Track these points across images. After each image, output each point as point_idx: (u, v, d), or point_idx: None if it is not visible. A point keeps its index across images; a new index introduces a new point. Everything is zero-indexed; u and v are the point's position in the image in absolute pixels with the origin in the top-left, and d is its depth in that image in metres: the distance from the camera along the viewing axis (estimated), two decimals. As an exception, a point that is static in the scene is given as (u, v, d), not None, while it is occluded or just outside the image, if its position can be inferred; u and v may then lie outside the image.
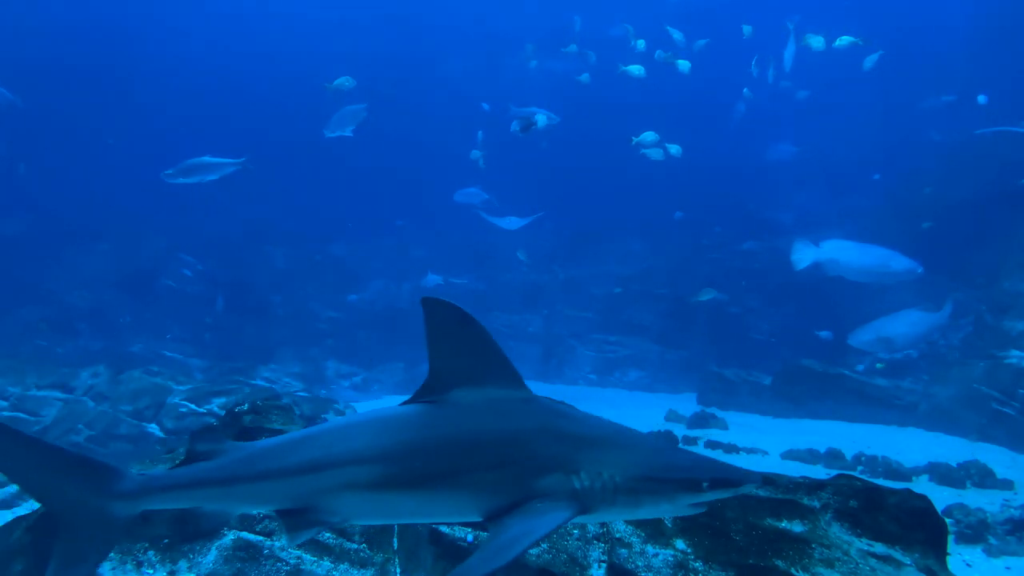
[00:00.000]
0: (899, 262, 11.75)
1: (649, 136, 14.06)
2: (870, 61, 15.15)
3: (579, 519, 2.76)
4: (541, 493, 2.70)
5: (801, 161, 20.60)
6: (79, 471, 3.03)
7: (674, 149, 14.61)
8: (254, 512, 2.96)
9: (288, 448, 3.05)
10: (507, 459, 2.79)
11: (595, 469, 2.72)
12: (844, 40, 13.56)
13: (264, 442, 3.21)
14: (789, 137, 20.88)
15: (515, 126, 12.14)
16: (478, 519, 2.79)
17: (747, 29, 16.36)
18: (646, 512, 2.92)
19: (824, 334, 12.93)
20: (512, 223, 16.50)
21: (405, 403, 3.03)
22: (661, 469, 2.80)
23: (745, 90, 18.36)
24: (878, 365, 13.61)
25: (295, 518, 2.90)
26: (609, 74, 18.41)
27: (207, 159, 11.65)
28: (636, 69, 14.71)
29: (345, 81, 12.94)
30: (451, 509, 2.93)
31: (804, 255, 12.23)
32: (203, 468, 3.05)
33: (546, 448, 2.80)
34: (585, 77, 18.04)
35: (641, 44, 16.84)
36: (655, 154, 14.49)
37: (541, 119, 15.47)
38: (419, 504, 2.89)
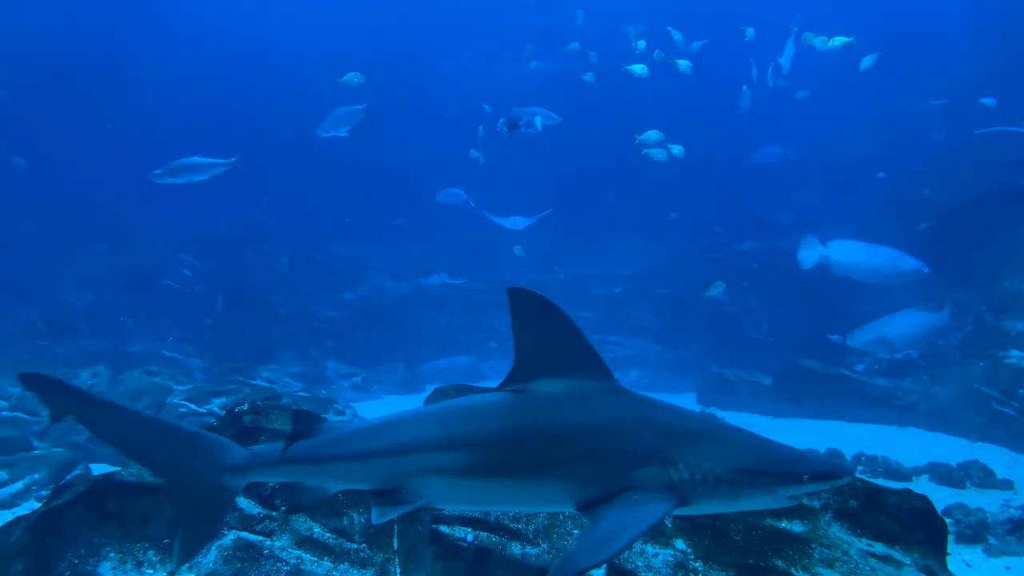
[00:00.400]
0: (907, 262, 11.75)
1: (653, 135, 14.05)
2: (868, 61, 15.14)
3: (678, 512, 2.76)
4: (638, 485, 2.70)
5: (798, 161, 20.60)
6: (193, 445, 3.24)
7: (676, 150, 14.61)
8: (351, 488, 3.11)
9: (380, 430, 3.13)
10: (602, 450, 2.79)
11: (694, 461, 2.72)
12: (838, 40, 13.56)
13: (358, 423, 3.33)
14: (789, 137, 20.87)
15: (501, 124, 12.10)
16: (569, 509, 2.80)
17: (750, 31, 16.36)
18: (745, 505, 2.92)
19: (835, 338, 12.91)
20: (517, 223, 16.46)
21: (491, 391, 3.08)
22: (762, 462, 2.80)
23: (744, 87, 18.33)
24: (876, 366, 13.61)
25: (384, 498, 2.96)
26: (609, 74, 18.46)
27: (196, 159, 11.60)
28: (639, 68, 14.71)
29: (354, 77, 12.94)
30: (542, 498, 2.94)
31: (812, 255, 12.21)
32: (300, 446, 3.17)
33: (641, 440, 2.80)
34: (590, 76, 18.03)
35: (642, 44, 16.85)
36: (658, 155, 14.48)
37: (538, 120, 15.50)
38: (508, 492, 2.91)
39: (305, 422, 3.21)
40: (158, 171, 11.45)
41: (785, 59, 16.22)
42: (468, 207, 18.62)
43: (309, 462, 3.16)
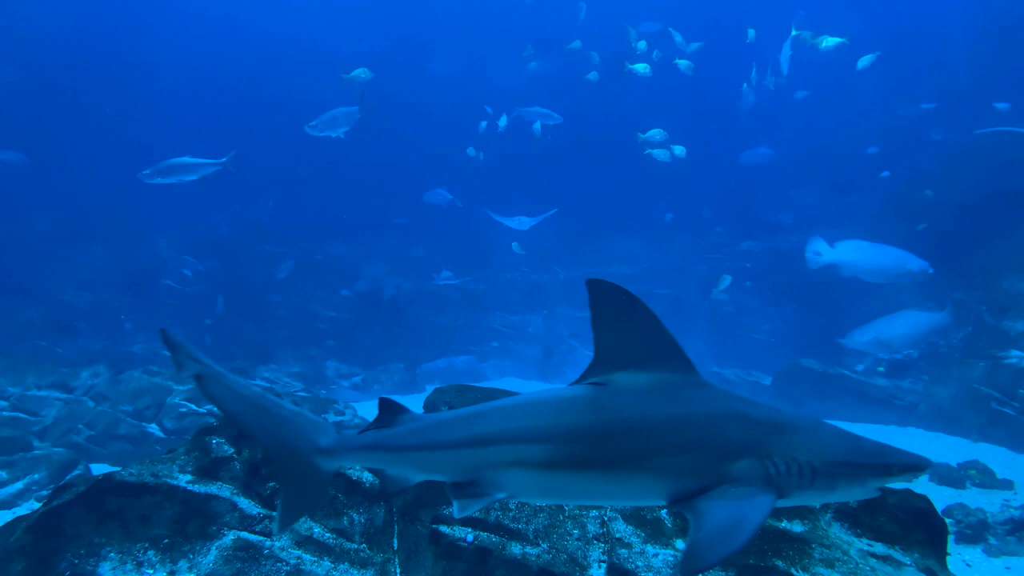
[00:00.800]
0: (913, 262, 11.78)
1: (656, 134, 14.05)
2: (865, 61, 15.14)
3: (776, 504, 2.75)
4: (733, 478, 2.68)
5: (787, 162, 20.60)
6: (292, 424, 3.31)
7: (679, 150, 14.61)
8: (431, 479, 3.16)
9: (462, 422, 3.12)
10: (694, 443, 2.77)
11: (788, 454, 2.71)
12: (832, 40, 13.56)
13: (441, 414, 3.32)
14: (788, 137, 20.86)
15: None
16: (660, 503, 2.79)
17: (751, 33, 16.36)
18: (836, 497, 2.91)
19: (845, 341, 12.92)
20: (522, 223, 16.45)
21: (572, 384, 3.03)
22: (854, 454, 2.80)
23: (745, 86, 18.32)
24: (879, 368, 13.60)
25: (464, 490, 2.95)
26: (609, 74, 18.47)
27: (186, 159, 11.58)
28: (642, 67, 14.71)
29: (362, 72, 12.94)
30: (634, 492, 2.92)
31: (820, 256, 12.22)
32: (384, 434, 3.21)
33: (733, 432, 2.77)
34: (593, 75, 18.04)
35: (642, 45, 16.87)
36: (662, 155, 14.48)
37: (537, 126, 15.52)
38: (598, 486, 2.89)
39: (390, 410, 3.25)
40: (147, 171, 11.42)
41: (783, 61, 16.23)
42: (454, 207, 18.68)
43: (391, 450, 3.18)
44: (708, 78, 16.85)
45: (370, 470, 3.34)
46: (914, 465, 2.85)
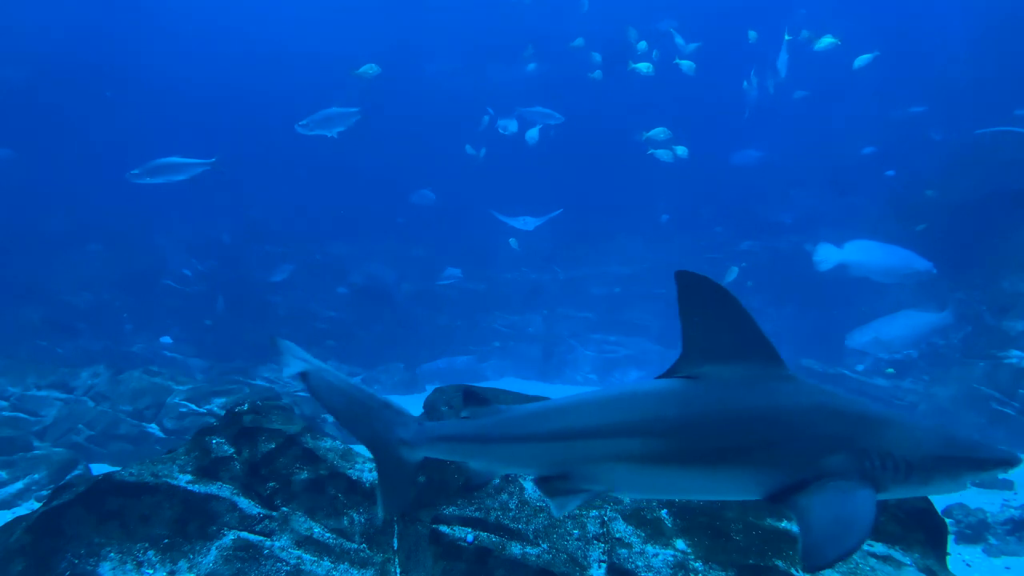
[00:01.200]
0: (920, 262, 11.79)
1: (660, 132, 14.05)
2: (862, 60, 15.14)
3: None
4: (828, 472, 2.66)
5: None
6: (378, 415, 3.33)
7: (681, 151, 14.61)
8: (516, 472, 3.15)
9: (552, 414, 3.08)
10: (789, 437, 2.75)
11: (883, 448, 2.69)
12: (825, 41, 13.57)
13: (528, 406, 3.26)
14: (787, 137, 20.87)
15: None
16: (755, 497, 2.78)
17: (752, 34, 16.36)
18: (930, 491, 2.90)
19: (847, 341, 12.92)
20: (527, 223, 16.43)
21: (660, 377, 3.00)
22: (949, 448, 2.78)
23: (745, 83, 18.32)
24: (888, 370, 13.59)
25: (554, 485, 2.92)
26: (610, 74, 18.48)
27: (175, 159, 11.55)
28: (644, 67, 14.72)
29: (369, 68, 12.93)
30: (729, 487, 2.90)
31: (829, 256, 12.22)
32: (467, 425, 3.19)
33: (827, 426, 2.75)
34: (597, 74, 18.05)
35: (643, 45, 16.88)
36: (664, 155, 14.49)
37: (535, 131, 15.49)
38: (693, 480, 2.87)
39: (475, 401, 3.24)
40: (136, 171, 11.39)
41: (780, 66, 16.25)
42: (456, 207, 18.68)
43: (477, 441, 3.15)
44: (708, 78, 16.85)
45: (454, 462, 3.35)
46: (1007, 459, 2.82)
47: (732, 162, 21.04)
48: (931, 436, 2.79)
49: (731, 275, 14.90)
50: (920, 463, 2.69)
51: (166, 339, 16.75)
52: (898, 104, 19.13)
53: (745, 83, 18.30)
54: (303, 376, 3.34)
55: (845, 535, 2.44)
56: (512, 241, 17.19)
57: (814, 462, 2.68)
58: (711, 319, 2.93)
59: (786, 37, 15.24)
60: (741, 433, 2.77)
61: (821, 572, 2.45)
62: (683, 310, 2.94)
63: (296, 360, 3.36)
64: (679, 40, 16.92)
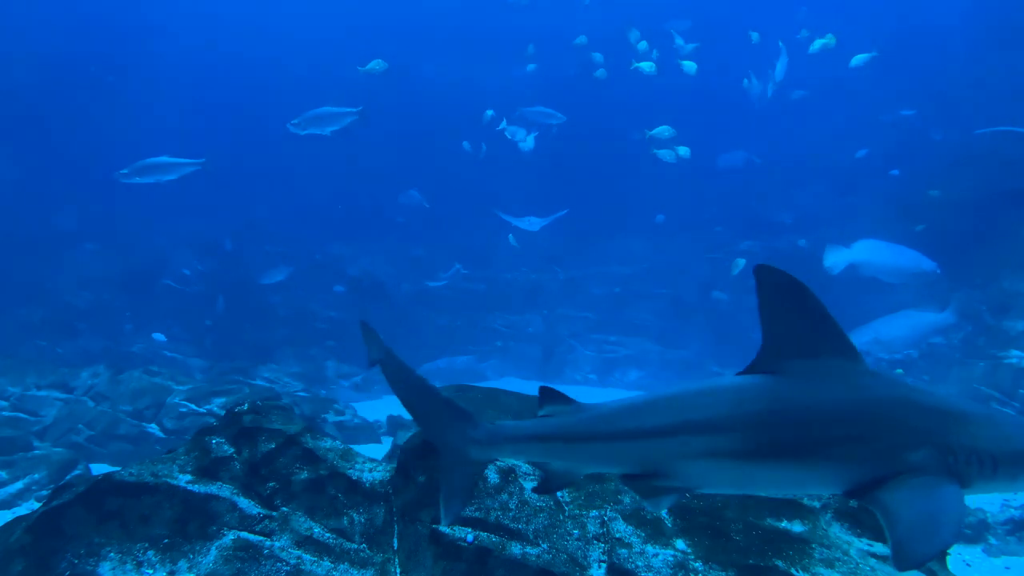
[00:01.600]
0: (926, 262, 11.81)
1: (664, 131, 14.05)
2: (859, 60, 15.13)
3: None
4: (912, 468, 2.63)
5: (797, 162, 20.59)
6: (447, 414, 3.29)
7: (683, 151, 14.61)
8: (602, 472, 3.10)
9: (637, 411, 3.05)
10: (872, 432, 2.74)
11: (968, 443, 2.65)
12: (818, 43, 13.58)
13: (611, 403, 3.20)
14: (787, 138, 20.86)
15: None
16: (836, 492, 2.78)
17: (755, 35, 16.36)
18: (1018, 486, 2.85)
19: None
20: (532, 223, 16.41)
21: (740, 373, 3.00)
22: None
23: (745, 81, 18.30)
24: (898, 371, 13.57)
25: (640, 483, 2.91)
26: (610, 74, 18.48)
27: (164, 159, 11.50)
28: (647, 66, 14.72)
29: (377, 64, 12.91)
30: (811, 481, 2.90)
31: (839, 258, 12.21)
32: (548, 423, 3.11)
33: (910, 421, 2.74)
34: (601, 73, 18.03)
35: (643, 45, 16.89)
36: (666, 156, 14.49)
37: (531, 139, 15.48)
38: (776, 475, 2.87)
39: (551, 400, 3.17)
40: (124, 171, 11.33)
41: (779, 69, 16.25)
42: (423, 208, 18.69)
43: (559, 441, 3.08)
44: (709, 77, 16.86)
45: (532, 463, 3.29)
46: None
47: (719, 164, 21.03)
48: (1019, 432, 2.74)
49: (737, 268, 14.90)
50: (1007, 459, 2.65)
51: (159, 336, 16.73)
52: (898, 104, 19.13)
53: (745, 81, 18.31)
54: (380, 363, 3.40)
55: (934, 532, 2.40)
56: (511, 237, 17.16)
57: (897, 457, 2.66)
58: (790, 314, 2.93)
59: (780, 45, 15.27)
60: (823, 428, 2.76)
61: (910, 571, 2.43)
62: (762, 305, 2.96)
63: (380, 348, 3.43)
64: (679, 40, 16.92)
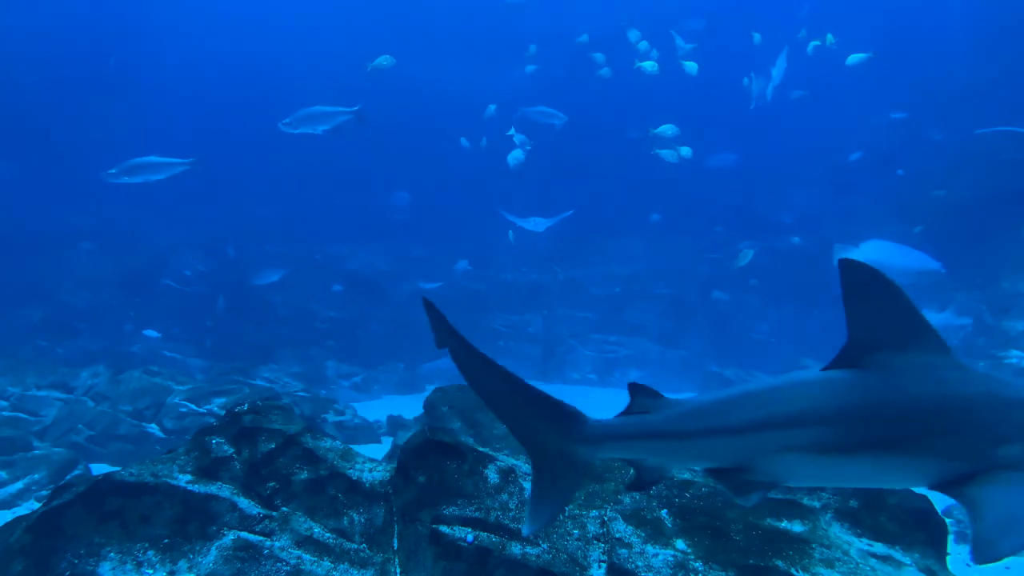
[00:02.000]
0: (932, 262, 11.84)
1: (668, 129, 14.06)
2: (854, 59, 15.13)
3: None
4: (1002, 464, 2.61)
5: (796, 162, 20.59)
6: (546, 409, 3.09)
7: (685, 151, 14.62)
8: (691, 467, 3.02)
9: (728, 406, 3.02)
10: (961, 426, 2.71)
11: None
12: (814, 44, 13.58)
13: (699, 399, 3.18)
14: (787, 138, 20.86)
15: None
16: (922, 486, 2.77)
17: (757, 36, 16.38)
18: None
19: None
20: (538, 224, 16.40)
21: (826, 368, 2.97)
22: None
23: (745, 79, 18.31)
24: None
25: (728, 478, 2.90)
26: (608, 74, 18.48)
27: (153, 159, 11.44)
28: (650, 65, 14.73)
29: (384, 60, 12.90)
30: (895, 475, 2.89)
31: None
32: (646, 420, 3.07)
33: (1001, 416, 2.71)
34: (606, 71, 18.03)
35: (644, 45, 16.90)
36: (668, 156, 14.50)
37: (520, 153, 15.46)
38: (863, 469, 2.86)
39: (643, 397, 3.13)
40: (112, 170, 11.26)
41: (777, 71, 16.26)
42: (414, 208, 18.64)
43: (656, 438, 3.04)
44: (709, 78, 16.86)
45: (626, 461, 3.20)
46: None
47: (708, 165, 21.03)
48: None
49: (745, 259, 14.91)
50: None
51: (151, 332, 16.71)
52: (899, 104, 19.14)
53: (746, 79, 18.31)
54: (450, 352, 3.12)
55: (1019, 530, 2.39)
56: (510, 234, 17.14)
57: (986, 452, 2.64)
58: (876, 308, 2.90)
59: (781, 47, 15.31)
60: (912, 422, 2.74)
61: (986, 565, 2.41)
62: (847, 300, 2.91)
63: (449, 334, 3.13)
64: (679, 41, 16.92)
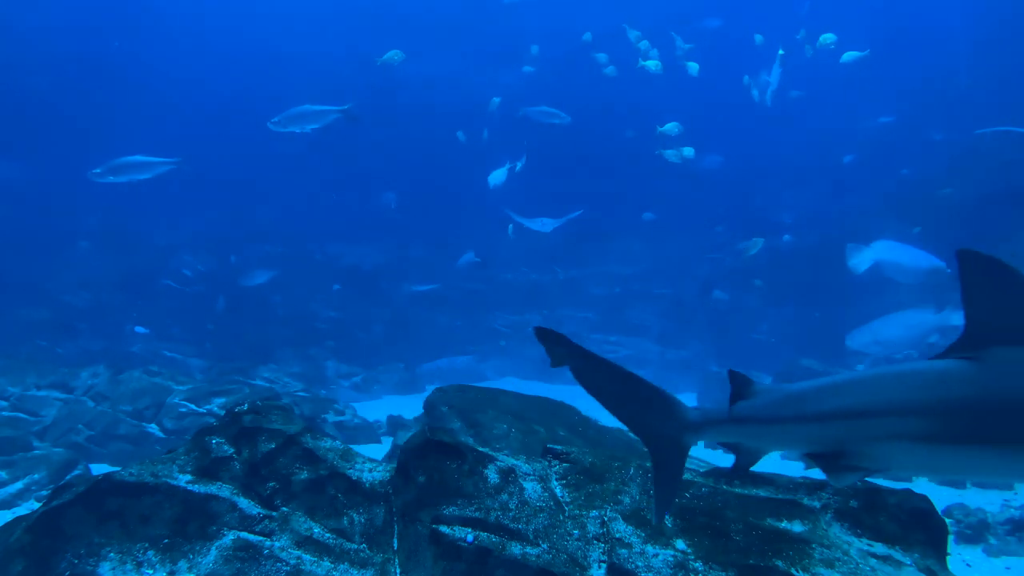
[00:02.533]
0: (938, 262, 11.86)
1: (674, 127, 14.08)
2: (848, 57, 15.11)
3: None
4: None
5: (797, 162, 20.59)
6: (657, 403, 3.29)
7: (688, 151, 14.64)
8: (788, 450, 3.13)
9: (828, 392, 3.05)
10: None
11: None
12: (820, 42, 13.60)
13: (800, 385, 3.22)
14: (787, 138, 20.85)
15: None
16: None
17: (759, 38, 16.39)
18: None
19: (848, 342, 12.95)
20: (545, 224, 16.40)
21: (936, 357, 2.95)
22: None
23: (746, 77, 18.30)
24: None
25: (827, 462, 2.92)
26: (610, 74, 18.47)
27: (138, 158, 11.40)
28: (654, 64, 14.75)
29: (395, 55, 12.94)
30: (1005, 470, 2.91)
31: (863, 258, 12.25)
32: (745, 406, 3.17)
33: None
34: (611, 70, 18.03)
35: (645, 44, 16.90)
36: (672, 156, 14.51)
37: (498, 176, 15.47)
38: (970, 462, 2.85)
39: (741, 383, 3.21)
40: (98, 170, 11.22)
41: (774, 78, 16.27)
42: (395, 209, 18.64)
43: (754, 423, 3.14)
44: (710, 78, 16.87)
45: (725, 445, 3.40)
46: None
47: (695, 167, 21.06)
48: None
49: (755, 247, 14.93)
50: None
51: (140, 329, 16.69)
52: (897, 105, 19.14)
53: (746, 77, 18.31)
54: (569, 367, 3.29)
55: None
56: (510, 228, 17.11)
57: None
58: (996, 299, 2.82)
59: (780, 52, 15.32)
60: (1020, 417, 2.68)
61: None
62: (965, 289, 2.87)
63: (563, 349, 3.32)
64: (679, 41, 16.93)
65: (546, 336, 3.32)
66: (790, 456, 10.25)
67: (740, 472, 4.25)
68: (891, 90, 19.60)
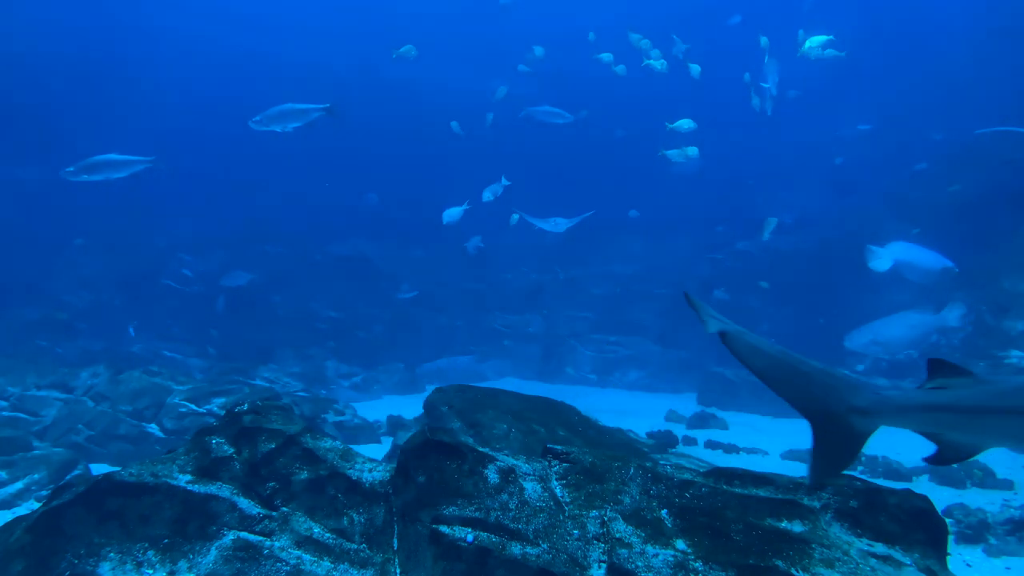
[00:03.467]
0: (947, 261, 11.90)
1: (685, 123, 14.08)
2: (825, 52, 15.12)
3: None
4: None
5: (796, 162, 20.58)
6: (824, 383, 3.23)
7: (691, 151, 14.64)
8: (1004, 447, 3.05)
9: None
10: None
11: None
12: (808, 45, 13.61)
13: (1016, 378, 3.12)
14: (787, 138, 20.84)
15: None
16: None
17: (764, 40, 16.38)
18: None
19: (846, 342, 12.96)
20: (558, 224, 16.40)
21: None
22: None
23: (746, 75, 18.28)
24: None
25: None
26: (609, 75, 18.45)
27: (113, 156, 11.31)
28: (659, 64, 14.75)
29: (410, 50, 12.98)
30: None
31: (883, 260, 12.29)
32: (938, 394, 3.06)
33: None
34: (621, 69, 18.00)
35: (645, 44, 16.89)
36: (675, 155, 14.51)
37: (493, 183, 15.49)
38: None
39: (941, 372, 3.11)
40: (71, 168, 11.13)
41: (770, 81, 16.27)
42: (378, 209, 18.57)
43: (957, 412, 3.02)
44: (710, 78, 16.86)
45: (924, 434, 3.29)
46: None
47: (674, 170, 21.03)
48: None
49: (770, 227, 14.93)
50: None
51: (131, 330, 16.68)
52: (898, 104, 19.14)
53: (747, 75, 18.29)
54: (721, 335, 3.26)
55: None
56: (514, 217, 17.06)
57: None
58: None
59: (766, 59, 15.36)
60: None
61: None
62: None
63: (712, 319, 3.29)
64: (678, 41, 16.92)
65: (697, 307, 3.29)
66: (790, 456, 10.26)
67: (943, 464, 4.14)
68: (891, 90, 19.60)
